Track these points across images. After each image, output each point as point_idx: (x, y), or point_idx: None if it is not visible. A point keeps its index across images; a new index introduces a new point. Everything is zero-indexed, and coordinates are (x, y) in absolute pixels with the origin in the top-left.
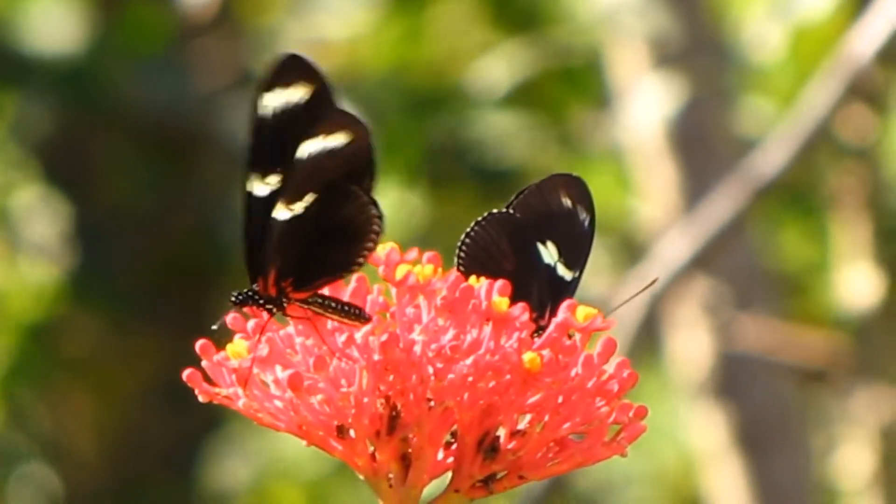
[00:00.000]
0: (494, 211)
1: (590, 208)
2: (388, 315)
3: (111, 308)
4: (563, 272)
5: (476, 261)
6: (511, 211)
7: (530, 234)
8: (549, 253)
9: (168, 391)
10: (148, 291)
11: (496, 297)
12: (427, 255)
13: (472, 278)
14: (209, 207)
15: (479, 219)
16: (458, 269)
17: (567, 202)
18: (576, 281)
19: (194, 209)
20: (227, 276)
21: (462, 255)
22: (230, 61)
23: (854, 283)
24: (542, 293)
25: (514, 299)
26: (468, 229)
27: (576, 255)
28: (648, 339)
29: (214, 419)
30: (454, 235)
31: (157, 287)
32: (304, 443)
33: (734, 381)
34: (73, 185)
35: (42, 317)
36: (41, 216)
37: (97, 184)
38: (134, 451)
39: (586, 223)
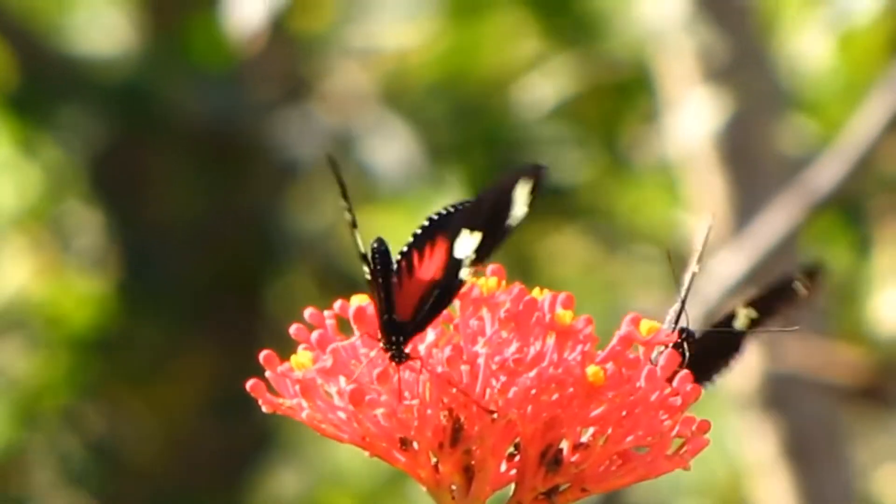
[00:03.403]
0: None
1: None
2: (451, 327)
3: (163, 319)
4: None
5: None
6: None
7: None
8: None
9: (220, 402)
10: (200, 302)
11: (559, 310)
12: (491, 267)
13: (536, 290)
14: (260, 218)
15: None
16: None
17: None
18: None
19: (246, 220)
20: (278, 286)
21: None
22: (282, 70)
23: None
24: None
25: None
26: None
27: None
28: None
29: (267, 431)
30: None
31: (209, 298)
32: (366, 454)
33: (782, 394)
34: (125, 195)
35: (94, 328)
36: (92, 228)
37: (148, 195)
38: (186, 462)
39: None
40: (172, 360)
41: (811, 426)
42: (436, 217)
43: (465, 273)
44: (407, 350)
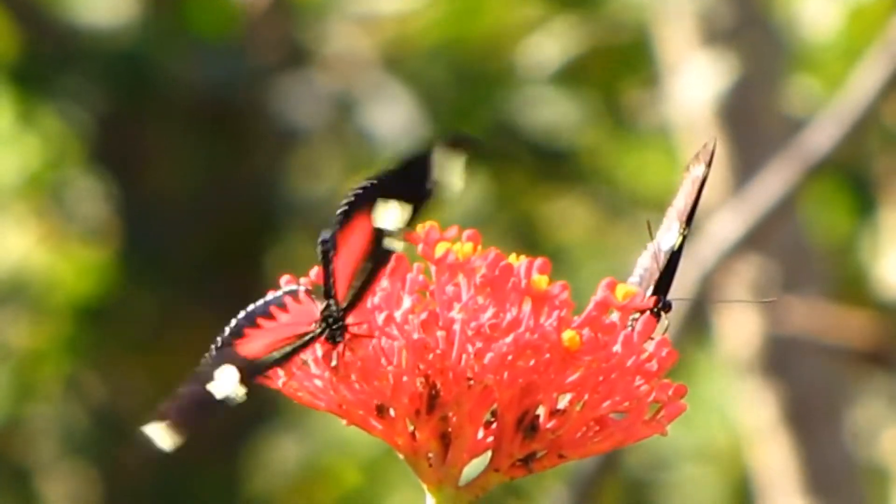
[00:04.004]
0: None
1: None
2: (427, 293)
3: (162, 288)
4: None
5: None
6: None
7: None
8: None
9: None
10: (200, 271)
11: (535, 276)
12: (467, 232)
13: (512, 256)
14: (260, 185)
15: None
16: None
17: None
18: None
19: (246, 188)
20: (278, 254)
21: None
22: (282, 36)
23: None
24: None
25: None
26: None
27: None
28: (700, 316)
29: (267, 401)
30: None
31: (209, 267)
32: (344, 422)
33: (783, 359)
34: (125, 165)
35: (94, 297)
36: (93, 197)
37: (149, 164)
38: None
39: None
40: (172, 329)
41: (812, 391)
42: (354, 193)
43: (391, 243)
44: (346, 323)
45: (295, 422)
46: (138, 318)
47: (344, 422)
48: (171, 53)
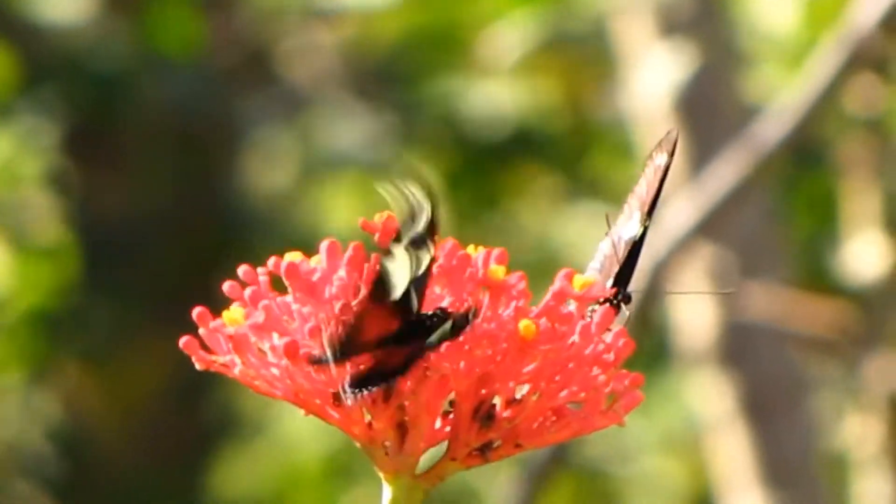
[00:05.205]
0: None
1: None
2: None
3: (124, 303)
4: None
5: None
6: None
7: None
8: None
9: (181, 387)
10: (161, 286)
11: (493, 265)
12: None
13: (470, 247)
14: (221, 196)
15: None
16: None
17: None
18: None
19: (205, 198)
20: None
21: None
22: (236, 38)
23: (862, 252)
24: None
25: None
26: None
27: None
28: (654, 307)
29: (227, 416)
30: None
31: (174, 282)
32: (301, 412)
33: (740, 349)
34: (84, 177)
35: (54, 310)
36: (52, 209)
37: (109, 178)
38: (145, 448)
39: None
40: (131, 344)
41: (771, 380)
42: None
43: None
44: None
45: (254, 437)
46: (94, 331)
47: (301, 412)
48: (132, 68)
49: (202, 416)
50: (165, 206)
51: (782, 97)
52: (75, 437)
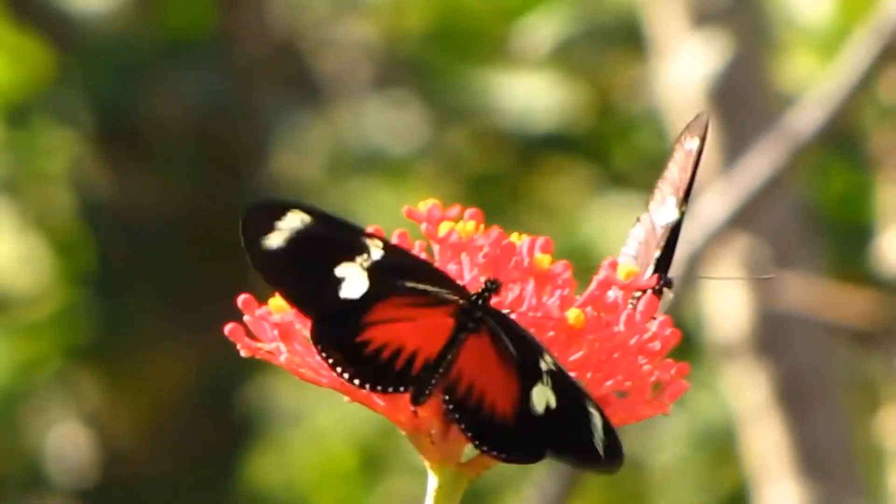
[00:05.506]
0: None
1: None
2: None
3: (147, 306)
4: None
5: None
6: None
7: None
8: None
9: (204, 390)
10: (191, 284)
11: (538, 254)
12: (469, 211)
13: (514, 235)
14: (251, 189)
15: None
16: None
17: None
18: None
19: (231, 201)
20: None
21: None
22: (265, 30)
23: None
24: None
25: None
26: None
27: None
28: (691, 297)
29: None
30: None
31: (202, 279)
32: (346, 399)
33: (774, 339)
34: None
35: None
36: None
37: (135, 174)
38: (168, 451)
39: None
40: (157, 346)
41: (805, 371)
42: None
43: None
44: None
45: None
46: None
47: (346, 399)
48: (158, 59)
49: (231, 414)
50: (191, 200)
51: (816, 87)
52: (102, 443)
